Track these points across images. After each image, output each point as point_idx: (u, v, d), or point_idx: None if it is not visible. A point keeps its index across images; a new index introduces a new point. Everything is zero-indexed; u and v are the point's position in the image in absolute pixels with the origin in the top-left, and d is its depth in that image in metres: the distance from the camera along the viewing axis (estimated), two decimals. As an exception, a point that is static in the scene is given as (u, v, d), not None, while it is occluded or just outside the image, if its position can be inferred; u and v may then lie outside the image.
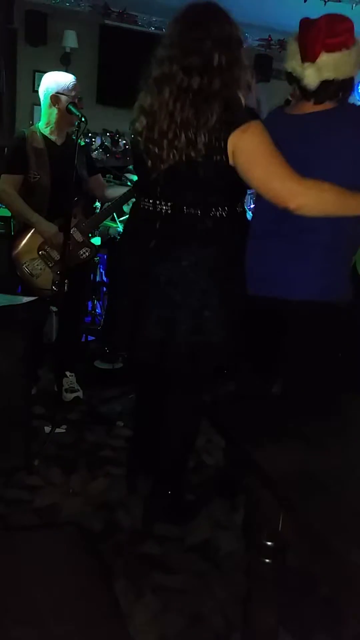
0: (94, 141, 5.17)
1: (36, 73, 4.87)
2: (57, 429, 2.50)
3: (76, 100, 2.64)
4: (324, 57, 1.62)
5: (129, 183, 3.94)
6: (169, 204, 1.69)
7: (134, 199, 2.46)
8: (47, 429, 2.49)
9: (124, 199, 2.81)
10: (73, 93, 2.66)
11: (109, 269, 4.18)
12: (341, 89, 1.68)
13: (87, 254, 2.78)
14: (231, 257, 1.75)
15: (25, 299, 2.37)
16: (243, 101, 1.61)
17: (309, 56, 1.64)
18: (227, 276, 1.74)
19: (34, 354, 2.66)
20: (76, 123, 2.48)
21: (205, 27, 1.58)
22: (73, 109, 2.54)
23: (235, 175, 1.62)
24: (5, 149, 2.84)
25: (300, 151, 1.61)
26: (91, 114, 2.92)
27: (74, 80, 2.69)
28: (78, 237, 2.73)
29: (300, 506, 0.78)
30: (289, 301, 1.71)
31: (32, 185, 2.69)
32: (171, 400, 1.90)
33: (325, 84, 1.65)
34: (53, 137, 2.74)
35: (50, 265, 2.72)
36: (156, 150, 1.65)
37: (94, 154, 5.13)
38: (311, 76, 1.65)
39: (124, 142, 5.29)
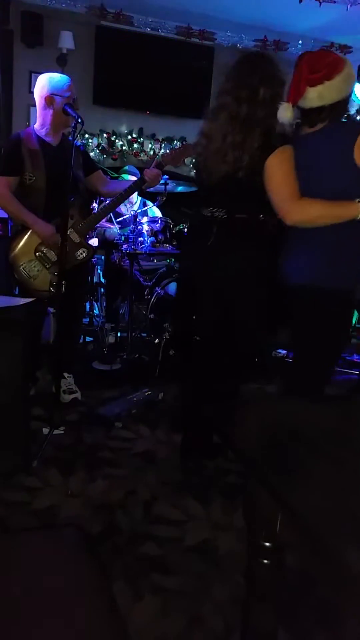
0: (91, 142, 5.17)
1: (32, 74, 4.87)
2: (55, 431, 2.50)
3: (71, 102, 2.64)
4: (309, 91, 1.91)
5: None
6: (224, 211, 2.09)
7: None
8: (46, 430, 2.49)
9: (125, 195, 2.81)
10: (68, 94, 2.65)
11: (106, 270, 4.19)
12: (332, 112, 1.93)
13: (84, 254, 2.77)
14: (272, 253, 2.10)
15: (23, 301, 2.37)
16: (279, 129, 1.97)
17: (294, 99, 1.94)
18: (269, 268, 2.10)
19: (32, 355, 2.66)
20: (72, 124, 2.47)
21: (255, 67, 2.01)
22: (69, 110, 2.54)
23: None
24: (2, 150, 2.83)
25: (304, 164, 1.93)
26: (88, 115, 2.92)
27: (68, 81, 2.68)
28: (75, 238, 2.73)
29: (299, 507, 0.78)
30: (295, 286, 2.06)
31: (28, 187, 2.68)
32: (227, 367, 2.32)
33: (313, 111, 1.93)
34: (48, 139, 2.73)
35: (47, 266, 2.72)
36: (211, 166, 2.06)
37: (91, 154, 5.14)
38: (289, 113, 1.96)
39: (121, 143, 5.30)
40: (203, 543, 1.89)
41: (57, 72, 4.86)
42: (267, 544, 0.95)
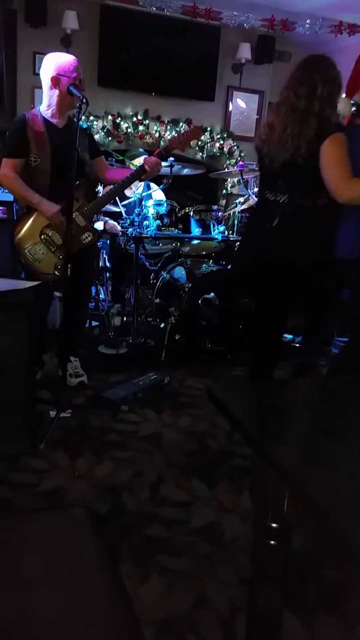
0: (96, 124, 5.12)
1: (36, 55, 4.81)
2: (62, 414, 2.52)
3: (77, 82, 2.60)
4: None
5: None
6: (285, 195, 2.29)
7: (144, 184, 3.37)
8: (53, 413, 2.50)
9: (127, 182, 2.78)
10: (74, 75, 2.60)
11: (111, 254, 4.18)
12: None
13: (89, 238, 2.75)
14: (329, 231, 2.35)
15: (29, 284, 2.37)
16: (334, 120, 2.20)
17: (351, 93, 2.29)
18: (327, 245, 2.34)
19: (39, 339, 2.67)
20: (77, 105, 2.44)
21: (317, 68, 2.22)
22: (74, 90, 2.51)
23: None
24: (7, 132, 2.80)
25: (355, 152, 2.15)
26: (92, 97, 2.88)
27: (75, 61, 2.64)
28: (80, 221, 2.71)
29: (306, 487, 0.78)
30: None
31: (33, 169, 2.66)
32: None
33: None
34: (54, 120, 2.70)
35: (52, 249, 2.71)
36: (273, 154, 2.28)
37: (96, 136, 5.09)
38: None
39: (126, 125, 5.24)
40: (209, 525, 1.90)
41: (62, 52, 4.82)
42: (274, 525, 0.96)
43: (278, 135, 2.24)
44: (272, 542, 0.99)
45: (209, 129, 5.57)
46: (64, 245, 2.51)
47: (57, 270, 2.69)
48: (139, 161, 3.93)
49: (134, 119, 5.27)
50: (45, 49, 4.83)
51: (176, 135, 2.98)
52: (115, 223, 3.91)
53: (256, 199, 2.74)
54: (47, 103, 2.69)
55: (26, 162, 2.66)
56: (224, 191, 5.78)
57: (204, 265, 3.70)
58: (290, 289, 2.46)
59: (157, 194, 4.06)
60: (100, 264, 4.13)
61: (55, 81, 2.61)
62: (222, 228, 3.68)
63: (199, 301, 3.56)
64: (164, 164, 3.70)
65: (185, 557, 1.73)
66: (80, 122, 2.47)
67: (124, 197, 4.12)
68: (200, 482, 2.14)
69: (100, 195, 2.96)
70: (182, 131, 3.77)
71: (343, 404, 1.10)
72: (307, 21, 5.05)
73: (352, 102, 2.31)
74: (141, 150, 4.24)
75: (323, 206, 2.26)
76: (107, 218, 4.03)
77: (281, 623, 1.10)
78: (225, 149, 5.67)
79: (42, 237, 2.70)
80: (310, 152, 2.17)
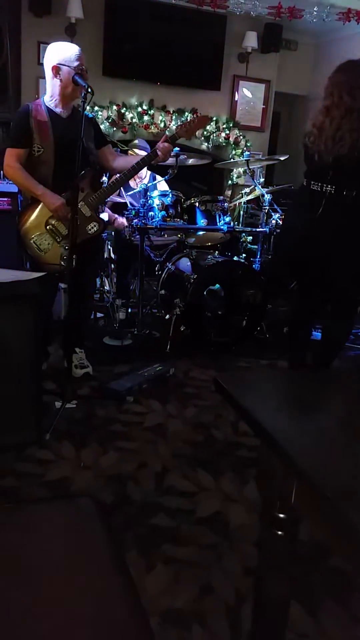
0: (100, 114, 5.09)
1: (41, 44, 4.77)
2: (67, 404, 2.52)
3: (80, 72, 2.57)
4: None
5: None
6: (333, 187, 2.52)
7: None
8: (58, 404, 2.51)
9: (137, 168, 2.76)
10: (76, 64, 2.57)
11: (116, 245, 4.17)
12: None
13: (95, 228, 2.74)
14: None
15: (35, 275, 2.36)
16: None
17: None
18: None
19: (44, 330, 2.67)
20: (82, 94, 2.42)
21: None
22: (79, 80, 2.49)
23: None
24: (11, 123, 2.79)
25: None
26: (97, 86, 2.84)
27: (77, 50, 2.61)
28: (86, 211, 2.69)
29: (314, 478, 0.77)
30: None
31: (36, 159, 2.65)
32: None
33: None
34: (58, 110, 2.68)
35: (58, 240, 2.70)
36: (324, 150, 2.50)
37: (101, 127, 5.05)
38: None
39: (131, 115, 5.20)
40: (214, 514, 1.90)
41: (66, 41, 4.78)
42: (282, 515, 0.95)
43: (332, 133, 2.45)
44: (279, 532, 0.99)
45: (214, 118, 5.53)
46: (70, 236, 2.49)
47: (63, 260, 2.68)
48: (139, 152, 3.91)
49: (139, 108, 5.23)
50: (49, 38, 4.78)
51: (182, 123, 2.94)
52: (124, 220, 3.86)
53: (300, 190, 2.82)
54: (50, 93, 2.67)
55: (30, 152, 2.64)
56: (230, 182, 5.75)
57: (209, 257, 3.68)
58: (331, 278, 2.69)
59: (162, 184, 4.04)
60: (105, 255, 4.11)
61: (56, 70, 2.59)
62: (227, 219, 3.66)
63: (204, 292, 3.55)
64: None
65: (191, 546, 1.73)
66: (86, 112, 2.45)
67: (129, 188, 4.10)
68: (206, 473, 2.14)
69: (106, 184, 2.94)
70: (189, 119, 3.71)
71: (352, 394, 1.09)
72: (315, 9, 4.98)
73: None
74: (140, 143, 4.21)
75: None
76: (116, 215, 4.00)
77: (287, 612, 1.10)
78: (231, 139, 5.63)
79: (48, 227, 2.69)
80: None
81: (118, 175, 2.83)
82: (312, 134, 2.57)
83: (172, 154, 3.57)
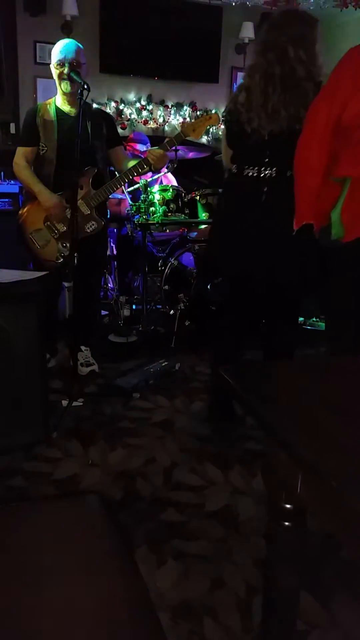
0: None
1: (37, 44, 4.76)
2: (74, 402, 2.52)
3: (63, 64, 2.59)
4: None
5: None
6: (274, 169, 2.06)
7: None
8: (65, 402, 2.51)
9: (129, 174, 2.75)
10: (57, 58, 2.61)
11: (119, 242, 4.16)
12: None
13: (93, 227, 2.74)
14: None
15: (38, 274, 2.36)
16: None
17: None
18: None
19: (49, 328, 2.67)
20: (79, 91, 2.42)
21: (282, 28, 2.01)
22: (75, 77, 2.49)
23: None
24: (9, 124, 2.84)
25: None
26: (95, 83, 2.84)
27: (62, 45, 2.63)
28: (85, 209, 2.69)
29: (319, 467, 0.77)
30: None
31: (41, 157, 2.70)
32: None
33: None
34: (66, 109, 2.72)
35: (55, 236, 2.72)
36: (258, 123, 2.04)
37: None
38: None
39: (130, 111, 5.18)
40: (223, 508, 1.90)
41: (63, 39, 4.76)
42: (288, 505, 0.95)
43: (259, 103, 2.03)
44: (287, 523, 0.98)
45: (213, 111, 5.50)
46: (68, 232, 2.52)
47: (60, 257, 2.70)
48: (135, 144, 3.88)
49: (137, 104, 5.22)
50: (45, 37, 4.81)
51: (190, 121, 2.90)
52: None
53: (228, 182, 2.34)
54: (57, 92, 2.73)
55: (38, 150, 2.69)
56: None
57: (212, 250, 3.67)
58: (281, 269, 2.17)
59: (169, 177, 4.00)
60: (108, 252, 4.10)
61: (52, 71, 2.65)
62: (229, 212, 3.63)
63: (208, 286, 3.53)
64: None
65: (201, 540, 1.73)
66: (99, 108, 2.47)
67: (132, 183, 4.08)
68: (214, 466, 2.14)
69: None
70: (199, 116, 3.61)
71: (356, 384, 1.08)
72: (311, -4, 4.94)
73: None
74: (142, 137, 4.19)
75: None
76: (119, 195, 3.90)
77: (298, 603, 1.10)
78: (231, 132, 5.60)
79: (46, 223, 2.72)
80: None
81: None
82: (237, 101, 2.12)
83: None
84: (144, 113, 5.23)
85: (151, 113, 5.27)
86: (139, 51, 5.02)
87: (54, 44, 5.02)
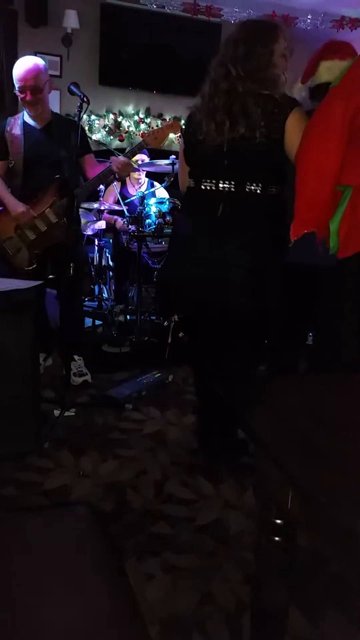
0: (97, 123, 5.11)
1: (37, 55, 4.80)
2: (66, 413, 2.52)
3: (26, 98, 2.69)
4: (321, 65, 2.04)
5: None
6: (233, 183, 1.94)
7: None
8: (57, 412, 2.51)
9: (95, 182, 2.80)
10: (20, 90, 2.70)
11: (114, 253, 4.18)
12: None
13: (61, 235, 2.78)
14: (284, 228, 1.92)
15: (33, 283, 2.37)
16: (278, 95, 1.90)
17: (305, 78, 2.09)
18: (283, 244, 1.94)
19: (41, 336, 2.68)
20: (78, 104, 2.48)
21: (227, 46, 1.99)
22: (75, 89, 2.53)
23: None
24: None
25: None
26: (94, 95, 2.88)
27: (22, 74, 2.68)
28: (52, 217, 2.77)
29: (309, 483, 0.78)
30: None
31: (11, 170, 2.80)
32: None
33: (322, 87, 1.96)
34: (32, 122, 2.80)
35: (26, 244, 2.80)
36: (209, 137, 1.95)
37: (98, 135, 5.08)
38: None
39: (128, 123, 5.23)
40: (214, 522, 1.89)
41: (61, 52, 4.81)
42: (278, 521, 0.95)
43: (210, 112, 1.97)
44: (277, 538, 0.98)
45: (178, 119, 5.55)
46: (38, 240, 2.72)
47: (32, 265, 2.79)
48: (138, 157, 3.93)
49: (136, 117, 5.27)
50: (46, 48, 4.86)
51: (150, 130, 2.94)
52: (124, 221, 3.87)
53: (185, 199, 2.22)
54: None
55: (8, 163, 2.80)
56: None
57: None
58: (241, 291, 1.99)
59: (161, 191, 4.05)
60: (103, 262, 4.13)
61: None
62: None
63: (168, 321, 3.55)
64: (165, 162, 3.70)
65: (191, 554, 1.73)
66: (72, 119, 2.53)
67: (127, 196, 4.12)
68: (205, 480, 2.14)
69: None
70: (159, 126, 3.70)
71: (346, 401, 1.09)
72: (309, 16, 5.03)
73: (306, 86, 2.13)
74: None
75: (276, 196, 1.97)
76: (116, 217, 4.02)
77: (286, 619, 1.10)
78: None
79: (18, 231, 2.80)
80: (268, 131, 1.89)
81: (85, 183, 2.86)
82: (194, 115, 2.06)
83: (169, 162, 3.60)
84: (142, 126, 5.28)
85: (149, 126, 5.31)
86: (138, 65, 5.08)
87: (54, 55, 5.10)
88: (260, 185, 1.92)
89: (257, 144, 1.88)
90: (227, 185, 1.95)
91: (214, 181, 1.97)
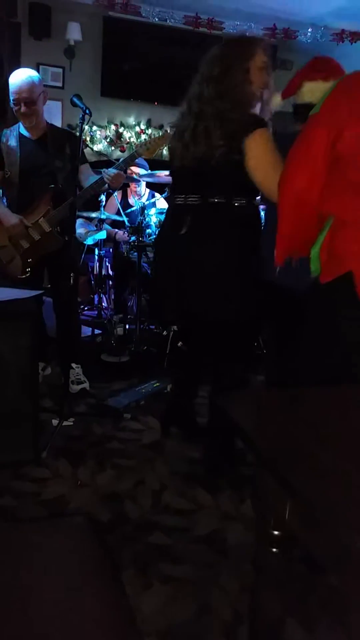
0: (99, 134, 5.16)
1: (40, 66, 4.86)
2: (64, 422, 2.52)
3: (20, 110, 2.71)
4: (305, 86, 2.03)
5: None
6: (197, 196, 2.03)
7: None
8: (55, 421, 2.50)
9: (87, 193, 2.80)
10: (15, 102, 2.72)
11: (114, 262, 4.20)
12: None
13: (54, 244, 2.81)
14: (251, 243, 2.03)
15: (33, 293, 2.38)
16: (243, 116, 1.94)
17: (285, 93, 2.08)
18: (246, 258, 2.01)
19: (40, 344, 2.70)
20: (80, 115, 2.51)
21: (203, 65, 2.10)
22: (77, 101, 2.56)
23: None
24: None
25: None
26: (95, 106, 2.91)
27: (17, 87, 2.70)
28: (46, 227, 2.79)
29: (306, 494, 0.78)
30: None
31: (7, 181, 2.83)
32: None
33: (304, 107, 1.91)
34: (27, 134, 2.82)
35: (20, 253, 2.82)
36: (181, 153, 2.06)
37: (99, 146, 5.13)
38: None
39: (129, 134, 5.28)
40: (212, 533, 1.89)
41: (64, 64, 4.86)
42: (276, 532, 0.95)
43: (184, 135, 2.06)
44: (274, 549, 0.98)
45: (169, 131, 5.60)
46: (31, 249, 2.77)
47: (24, 273, 2.82)
48: (136, 170, 3.96)
49: (137, 128, 5.31)
50: (48, 60, 4.92)
51: (143, 141, 2.98)
52: (124, 234, 3.90)
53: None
54: None
55: (4, 174, 2.82)
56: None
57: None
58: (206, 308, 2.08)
59: (161, 202, 4.08)
60: (103, 272, 4.14)
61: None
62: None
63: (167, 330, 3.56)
64: (166, 172, 3.73)
65: (188, 565, 1.72)
66: (67, 130, 2.56)
67: (127, 206, 4.14)
68: (203, 490, 2.13)
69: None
70: (150, 138, 3.73)
71: (344, 413, 1.10)
72: (309, 30, 5.09)
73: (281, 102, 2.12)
74: (139, 161, 4.25)
75: (241, 208, 2.01)
76: (116, 230, 4.06)
77: (283, 630, 1.10)
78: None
79: (11, 241, 2.82)
80: (229, 149, 1.93)
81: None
82: (171, 134, 2.20)
83: (167, 174, 3.62)
84: (143, 137, 5.32)
85: (150, 137, 5.35)
86: (140, 77, 5.13)
87: (57, 67, 5.15)
88: (223, 198, 1.99)
89: (217, 164, 1.95)
90: (194, 199, 2.05)
91: (183, 195, 2.09)
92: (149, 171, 4.01)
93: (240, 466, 2.26)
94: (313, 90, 1.99)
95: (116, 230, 4.07)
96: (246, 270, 2.03)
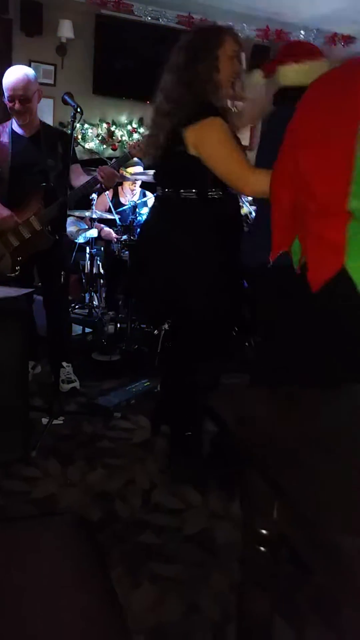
0: (91, 132, 5.14)
1: (32, 63, 4.83)
2: (54, 421, 2.51)
3: (14, 107, 2.70)
4: (278, 70, 1.93)
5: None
6: (159, 187, 2.13)
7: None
8: (45, 420, 2.50)
9: (79, 192, 2.81)
10: (9, 99, 2.71)
11: (106, 261, 4.19)
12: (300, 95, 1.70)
13: (45, 243, 2.81)
14: (208, 235, 2.02)
15: (24, 291, 2.38)
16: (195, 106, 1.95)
17: (266, 70, 1.99)
18: (219, 248, 2.02)
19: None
20: (72, 114, 2.50)
21: (169, 55, 2.12)
22: (68, 100, 2.55)
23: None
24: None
25: (270, 141, 1.76)
26: (87, 105, 2.90)
27: (11, 84, 2.69)
28: (36, 225, 2.78)
29: (294, 494, 0.79)
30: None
31: None
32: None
33: (282, 91, 1.89)
34: (20, 131, 2.82)
35: (9, 250, 2.81)
36: (151, 149, 2.10)
37: (91, 144, 5.11)
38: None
39: (121, 133, 5.27)
40: (201, 531, 1.90)
41: (56, 61, 4.83)
42: (264, 531, 0.96)
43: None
44: (262, 548, 0.99)
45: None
46: (21, 247, 2.76)
47: (14, 271, 2.81)
48: (134, 169, 3.95)
49: (129, 126, 5.30)
50: (40, 57, 4.89)
51: (136, 141, 2.99)
52: (111, 230, 3.94)
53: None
54: None
55: None
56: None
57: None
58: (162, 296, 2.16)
59: (152, 201, 4.07)
60: (94, 270, 4.13)
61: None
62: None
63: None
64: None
65: (177, 564, 1.73)
66: (60, 129, 2.55)
67: (119, 205, 4.14)
68: (193, 490, 2.14)
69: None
70: (143, 137, 3.76)
71: (333, 413, 1.11)
72: (302, 32, 5.11)
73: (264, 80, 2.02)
74: (137, 159, 4.25)
75: (188, 200, 2.02)
76: (102, 225, 4.06)
77: (272, 629, 1.10)
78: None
79: (1, 238, 2.81)
80: (171, 142, 1.97)
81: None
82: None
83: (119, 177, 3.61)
84: (135, 135, 5.31)
85: (142, 136, 5.35)
86: (132, 75, 5.11)
87: (49, 64, 5.11)
88: (173, 190, 2.03)
89: (165, 156, 2.02)
90: (160, 191, 2.14)
91: (159, 187, 2.16)
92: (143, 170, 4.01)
93: (230, 466, 2.26)
94: (286, 73, 1.94)
95: (102, 225, 4.06)
96: (205, 264, 2.01)
